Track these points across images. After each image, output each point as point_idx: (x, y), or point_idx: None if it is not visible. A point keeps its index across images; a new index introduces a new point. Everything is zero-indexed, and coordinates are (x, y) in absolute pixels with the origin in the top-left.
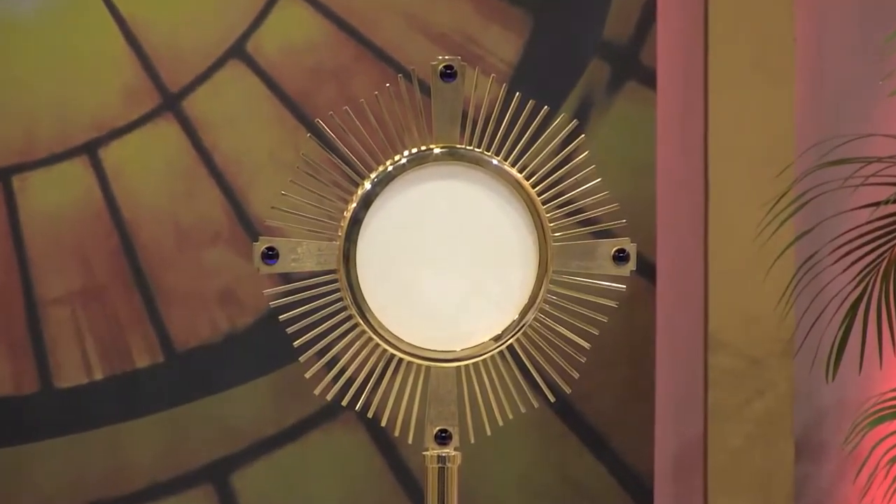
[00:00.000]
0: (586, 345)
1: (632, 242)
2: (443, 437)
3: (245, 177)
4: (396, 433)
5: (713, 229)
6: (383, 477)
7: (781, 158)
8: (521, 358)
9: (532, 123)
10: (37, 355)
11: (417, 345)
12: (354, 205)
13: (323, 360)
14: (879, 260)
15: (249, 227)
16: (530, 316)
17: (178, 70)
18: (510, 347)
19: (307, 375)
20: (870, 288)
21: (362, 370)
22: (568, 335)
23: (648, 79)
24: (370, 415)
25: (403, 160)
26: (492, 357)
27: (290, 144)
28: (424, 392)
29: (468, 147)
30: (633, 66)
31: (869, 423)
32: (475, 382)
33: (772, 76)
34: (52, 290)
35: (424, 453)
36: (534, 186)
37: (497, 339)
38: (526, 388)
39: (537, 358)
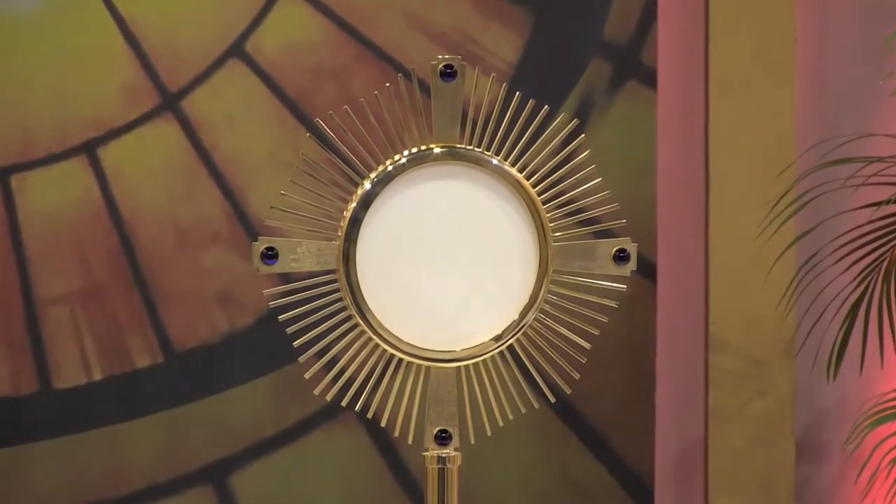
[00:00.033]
0: (587, 345)
1: (632, 242)
2: (443, 438)
3: (244, 176)
4: (396, 434)
5: (714, 229)
6: (383, 478)
7: (782, 158)
8: (521, 358)
9: (532, 123)
10: (35, 355)
11: (417, 345)
12: (354, 204)
13: (322, 360)
14: (880, 260)
15: (249, 226)
16: (530, 316)
17: (178, 69)
18: (510, 348)
19: (307, 376)
20: (871, 288)
21: (362, 370)
22: (568, 335)
23: (649, 78)
24: (370, 415)
25: (403, 160)
26: (492, 357)
27: (290, 144)
28: (424, 392)
29: (468, 147)
30: (633, 66)
31: (870, 423)
32: (475, 383)
33: (772, 76)
34: (51, 290)
35: (424, 454)
36: (534, 186)
37: (497, 339)
38: (526, 389)
39: (537, 358)
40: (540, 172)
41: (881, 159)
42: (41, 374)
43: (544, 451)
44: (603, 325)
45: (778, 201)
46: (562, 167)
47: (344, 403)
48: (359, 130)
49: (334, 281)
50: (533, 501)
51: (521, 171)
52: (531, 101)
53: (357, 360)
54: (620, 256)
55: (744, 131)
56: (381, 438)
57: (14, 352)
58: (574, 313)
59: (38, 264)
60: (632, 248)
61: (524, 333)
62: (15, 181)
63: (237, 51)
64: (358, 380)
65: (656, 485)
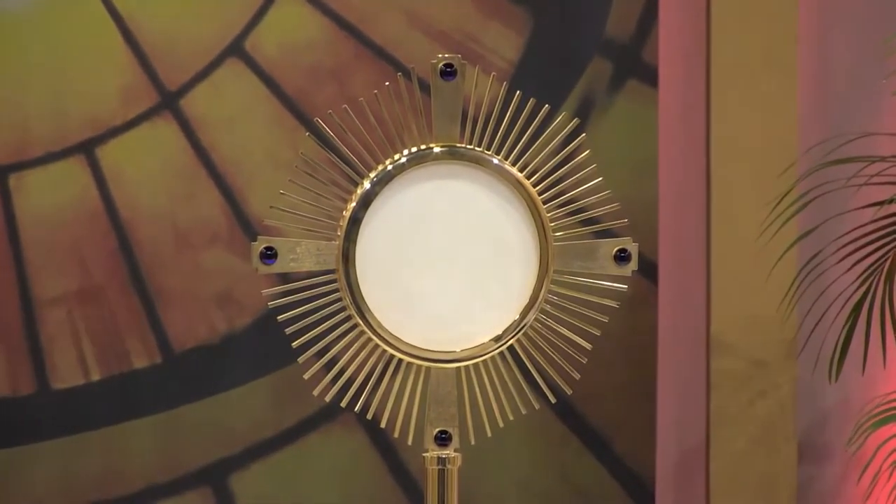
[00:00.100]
0: (587, 345)
1: (633, 242)
2: (443, 439)
3: (243, 176)
4: (396, 434)
5: (715, 229)
6: (383, 479)
7: (784, 158)
8: (521, 359)
9: (533, 122)
10: (33, 356)
11: (417, 345)
12: (354, 204)
13: (322, 360)
14: (883, 260)
15: (248, 226)
16: (531, 316)
17: (176, 68)
18: (511, 348)
19: (306, 376)
20: (873, 288)
21: (361, 371)
22: (569, 336)
23: (650, 77)
24: (369, 416)
25: (403, 159)
26: (492, 358)
27: (289, 143)
28: (424, 393)
29: (468, 146)
30: (634, 65)
31: (872, 424)
32: (475, 383)
33: (775, 75)
34: (49, 291)
35: (424, 455)
36: (535, 186)
37: (497, 339)
38: (526, 389)
39: (538, 359)
40: (540, 172)
41: (883, 159)
42: (39, 375)
43: (544, 452)
44: (604, 326)
45: (780, 201)
46: (562, 166)
47: (343, 404)
48: (358, 130)
49: (334, 281)
50: (533, 502)
51: (521, 170)
52: (532, 100)
53: (356, 360)
54: (621, 256)
55: (745, 130)
56: (381, 439)
57: (12, 352)
58: (575, 313)
59: (36, 264)
60: (633, 247)
61: (524, 334)
62: (13, 180)
63: (236, 50)
64: (357, 380)
65: (657, 486)
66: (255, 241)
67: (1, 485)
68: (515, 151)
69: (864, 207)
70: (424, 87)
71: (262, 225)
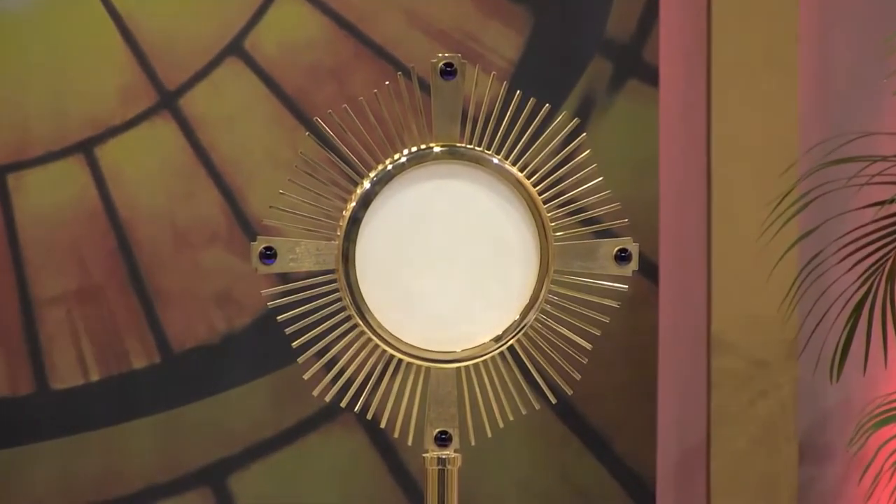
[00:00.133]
0: (588, 345)
1: (634, 242)
2: (443, 439)
3: (243, 176)
4: (396, 435)
5: (716, 229)
6: (382, 479)
7: (785, 157)
8: (521, 359)
9: (533, 122)
10: (32, 356)
11: (417, 345)
12: (353, 204)
13: (322, 361)
14: (884, 259)
15: (247, 226)
16: (531, 316)
17: (175, 68)
18: (511, 348)
19: (306, 377)
20: (874, 288)
21: (361, 371)
22: (569, 336)
23: (651, 76)
24: (369, 416)
25: (403, 159)
26: (492, 358)
27: (289, 143)
28: (424, 393)
29: (468, 146)
30: (635, 64)
31: (874, 424)
32: (475, 383)
33: (775, 74)
34: (48, 290)
35: (424, 455)
36: (535, 185)
37: (498, 339)
38: (527, 390)
39: (538, 359)
40: (541, 171)
41: (885, 158)
42: (38, 375)
43: (545, 452)
44: (604, 326)
45: (780, 201)
46: (563, 166)
47: (343, 404)
48: (358, 129)
49: (333, 281)
50: (533, 503)
51: (521, 170)
52: (532, 99)
53: (356, 360)
54: (622, 256)
55: (746, 130)
56: (381, 440)
57: (11, 352)
58: (575, 314)
59: (35, 264)
60: (633, 247)
61: (525, 334)
62: (12, 180)
63: (235, 49)
64: (357, 380)
65: (658, 486)
66: (254, 240)
67: (0, 485)
68: (516, 151)
69: (865, 207)
70: (424, 87)
71: (261, 225)
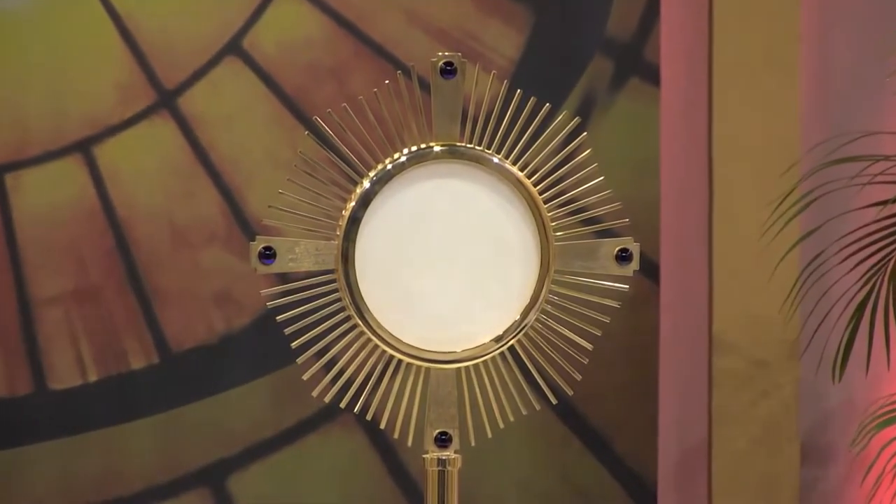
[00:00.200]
0: (588, 346)
1: (635, 242)
2: (443, 440)
3: (242, 175)
4: (396, 435)
5: (717, 228)
6: (382, 480)
7: (786, 156)
8: (522, 359)
9: (533, 121)
10: (30, 356)
11: (417, 346)
12: (353, 203)
13: (321, 361)
14: (886, 259)
15: (246, 226)
16: (532, 316)
17: (174, 67)
18: (511, 348)
19: (305, 377)
20: (877, 288)
21: (361, 371)
22: (570, 336)
23: (652, 76)
24: (369, 417)
25: (403, 158)
26: (492, 358)
27: (288, 142)
28: (424, 394)
29: (468, 145)
30: (636, 63)
31: (876, 425)
32: (476, 384)
33: (777, 73)
34: (46, 290)
35: (424, 456)
36: (535, 185)
37: (498, 339)
38: (527, 390)
39: (539, 359)
40: (541, 171)
41: (887, 158)
42: (36, 375)
43: (545, 453)
44: (605, 326)
45: (782, 200)
46: (563, 166)
47: (343, 405)
48: (358, 128)
49: (333, 281)
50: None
51: (522, 169)
52: (532, 98)
53: (356, 361)
54: (623, 256)
55: (748, 129)
56: (381, 440)
57: (9, 352)
58: (576, 314)
59: (34, 264)
60: (634, 247)
61: (525, 334)
62: (10, 180)
63: (234, 48)
64: (357, 381)
65: (659, 487)
66: (253, 240)
67: None
68: (516, 150)
69: (866, 207)
70: (424, 86)
71: (260, 224)
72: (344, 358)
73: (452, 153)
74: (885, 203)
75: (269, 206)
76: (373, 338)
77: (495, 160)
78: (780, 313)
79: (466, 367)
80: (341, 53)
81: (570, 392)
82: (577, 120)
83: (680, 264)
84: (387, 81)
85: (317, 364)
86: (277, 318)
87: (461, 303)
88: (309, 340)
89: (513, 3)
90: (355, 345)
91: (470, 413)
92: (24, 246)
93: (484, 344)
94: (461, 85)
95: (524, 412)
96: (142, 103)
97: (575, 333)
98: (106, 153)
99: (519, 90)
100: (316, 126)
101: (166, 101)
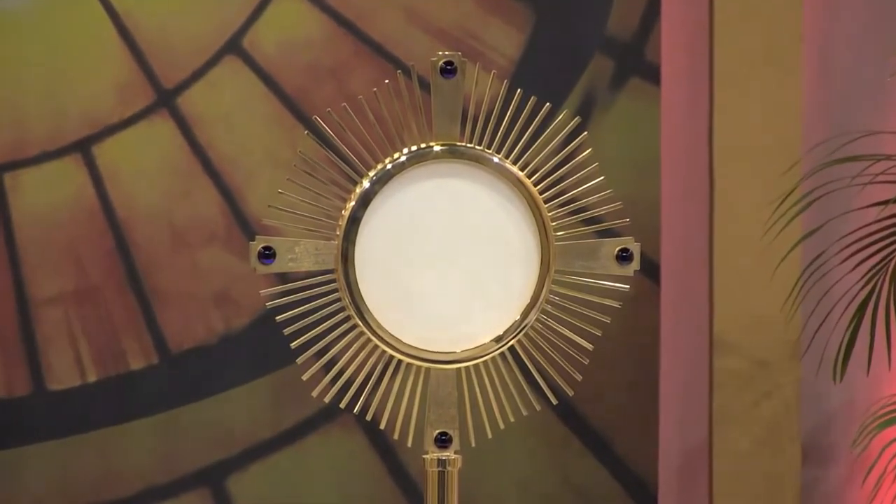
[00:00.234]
0: (589, 346)
1: (635, 242)
2: (443, 441)
3: (241, 175)
4: (395, 436)
5: (718, 228)
6: (382, 480)
7: (788, 156)
8: (522, 359)
9: (534, 120)
10: (29, 357)
11: (417, 346)
12: (353, 203)
13: (321, 361)
14: (888, 259)
15: (246, 226)
16: (532, 316)
17: (173, 66)
18: (511, 349)
19: (305, 377)
20: (878, 288)
21: (361, 372)
22: (570, 336)
23: (653, 75)
24: (369, 417)
25: (403, 158)
26: (493, 358)
27: (288, 142)
28: (424, 394)
29: (468, 145)
30: (636, 62)
31: (877, 425)
32: (476, 384)
33: (778, 72)
34: (45, 291)
35: (424, 457)
36: (535, 185)
37: (498, 339)
38: (527, 390)
39: (539, 359)
40: (541, 171)
41: (888, 157)
42: (35, 376)
43: (545, 453)
44: (606, 326)
45: (783, 200)
46: (564, 165)
47: (342, 405)
48: (357, 128)
49: (333, 281)
50: None
51: (522, 169)
52: (533, 98)
53: (356, 361)
54: (623, 256)
55: (749, 129)
56: (380, 441)
57: (7, 353)
58: (576, 314)
59: (32, 264)
60: (635, 247)
61: (525, 334)
62: (8, 180)
63: (234, 47)
64: (357, 381)
65: (660, 488)
66: (253, 240)
67: None
68: (516, 150)
69: (868, 206)
70: (424, 85)
71: (260, 224)
72: (344, 358)
73: (452, 153)
74: (886, 203)
75: (269, 206)
76: (372, 338)
77: (495, 160)
78: (782, 313)
79: (466, 368)
80: (341, 53)
81: (570, 392)
82: (577, 119)
83: (681, 264)
84: (387, 81)
85: (316, 364)
86: (277, 318)
87: (461, 303)
88: (309, 340)
89: (513, 2)
90: (355, 345)
91: (470, 413)
92: (22, 246)
93: (484, 344)
94: (461, 84)
95: (524, 412)
96: (141, 103)
97: (575, 333)
98: (105, 153)
99: (519, 89)
100: (316, 126)
101: (165, 100)
